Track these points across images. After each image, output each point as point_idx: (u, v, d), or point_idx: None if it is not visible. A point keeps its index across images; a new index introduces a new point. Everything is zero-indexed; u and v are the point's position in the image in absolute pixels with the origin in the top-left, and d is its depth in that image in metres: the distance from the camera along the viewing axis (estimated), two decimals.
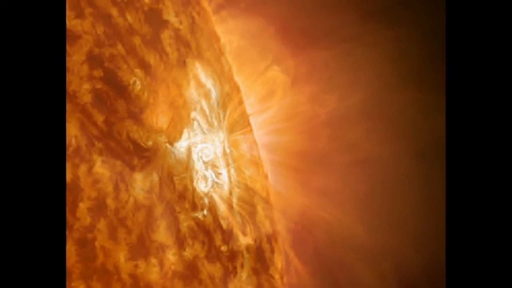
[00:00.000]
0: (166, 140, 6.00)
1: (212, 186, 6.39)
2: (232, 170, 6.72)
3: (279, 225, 7.21)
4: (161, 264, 5.65)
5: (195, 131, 6.34)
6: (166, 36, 6.29)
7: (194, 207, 6.10)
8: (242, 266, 6.44)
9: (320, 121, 7.50)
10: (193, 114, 6.35)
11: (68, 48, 5.41)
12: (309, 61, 7.49)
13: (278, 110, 7.46)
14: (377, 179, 7.32)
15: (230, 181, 6.66)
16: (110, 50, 5.69)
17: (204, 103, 6.53)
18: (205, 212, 6.19)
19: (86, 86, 5.48)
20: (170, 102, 6.10)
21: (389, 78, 7.34)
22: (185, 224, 5.95)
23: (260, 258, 6.72)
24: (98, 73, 5.56)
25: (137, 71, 5.83)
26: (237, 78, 7.26)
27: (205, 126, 6.48)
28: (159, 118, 5.95)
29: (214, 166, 6.49)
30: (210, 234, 6.17)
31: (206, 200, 6.25)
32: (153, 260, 5.59)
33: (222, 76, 6.94)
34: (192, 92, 6.41)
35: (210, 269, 6.06)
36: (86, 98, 5.47)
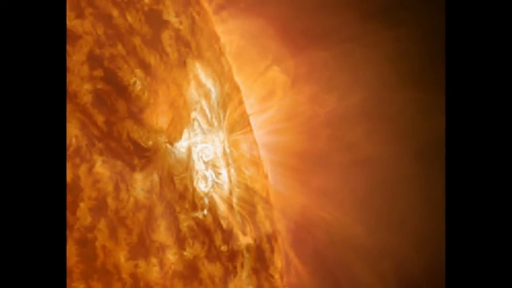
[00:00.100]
0: (166, 140, 6.01)
1: (212, 186, 6.40)
2: (232, 170, 6.73)
3: (279, 225, 7.21)
4: (161, 264, 5.66)
5: (195, 131, 6.35)
6: (166, 36, 6.30)
7: (194, 207, 6.11)
8: (242, 266, 6.45)
9: (320, 121, 7.51)
10: (193, 114, 6.35)
11: (68, 48, 5.42)
12: (309, 61, 7.50)
13: (278, 110, 7.47)
14: (377, 179, 7.33)
15: (230, 181, 6.66)
16: (111, 50, 5.70)
17: (204, 103, 6.54)
18: (205, 212, 6.20)
19: (87, 86, 5.48)
20: (170, 102, 6.11)
21: (389, 78, 7.35)
22: (185, 224, 5.96)
23: (260, 257, 6.73)
24: (98, 73, 5.57)
25: (138, 71, 5.84)
26: (237, 78, 7.27)
27: (205, 126, 6.49)
28: (159, 118, 5.96)
29: (214, 166, 6.50)
30: (210, 234, 6.17)
31: (206, 200, 6.26)
32: (153, 260, 5.60)
33: (222, 76, 6.95)
34: (192, 92, 6.42)
35: (210, 269, 6.07)
36: (87, 98, 5.47)
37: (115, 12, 5.86)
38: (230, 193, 6.62)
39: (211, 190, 6.37)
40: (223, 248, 6.28)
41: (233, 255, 6.37)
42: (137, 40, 5.96)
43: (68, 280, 5.01)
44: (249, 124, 7.28)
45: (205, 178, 6.34)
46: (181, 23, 6.51)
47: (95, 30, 5.64)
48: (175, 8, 6.49)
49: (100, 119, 5.52)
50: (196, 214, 6.10)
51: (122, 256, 5.38)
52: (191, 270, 5.89)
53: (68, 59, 5.38)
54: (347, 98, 7.43)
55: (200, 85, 6.56)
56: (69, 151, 5.25)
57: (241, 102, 7.24)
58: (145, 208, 5.65)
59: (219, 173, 6.55)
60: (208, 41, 6.91)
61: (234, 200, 6.66)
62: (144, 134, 5.80)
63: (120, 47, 5.78)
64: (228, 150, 6.77)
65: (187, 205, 6.04)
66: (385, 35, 7.26)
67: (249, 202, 6.86)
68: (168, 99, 6.09)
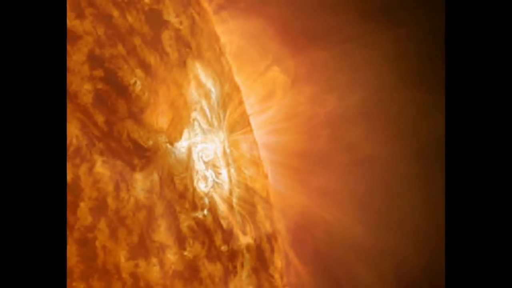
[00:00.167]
0: (167, 140, 6.01)
1: (212, 186, 6.41)
2: (232, 170, 6.73)
3: (279, 225, 7.22)
4: (162, 263, 5.66)
5: (196, 131, 6.36)
6: (166, 36, 6.30)
7: (195, 207, 6.11)
8: (242, 265, 6.45)
9: (320, 121, 7.51)
10: (193, 114, 6.36)
11: (68, 48, 5.42)
12: (309, 62, 7.50)
13: (278, 110, 7.47)
14: (377, 179, 7.33)
15: (230, 181, 6.67)
16: (111, 50, 5.70)
17: (204, 103, 6.54)
18: (205, 212, 6.20)
19: (87, 86, 5.49)
20: (171, 102, 6.11)
21: (389, 78, 7.35)
22: (185, 223, 5.96)
23: (260, 257, 6.74)
24: (98, 73, 5.57)
25: (138, 71, 5.84)
26: (237, 79, 7.27)
27: (205, 126, 6.49)
28: (159, 118, 5.96)
29: (214, 166, 6.50)
30: (210, 233, 6.18)
31: (206, 200, 6.26)
32: (154, 260, 5.60)
33: (222, 76, 6.96)
34: (192, 92, 6.43)
35: (210, 269, 6.07)
36: (87, 98, 5.48)
37: (115, 12, 5.87)
38: (230, 193, 6.62)
39: (211, 190, 6.38)
40: (223, 248, 6.28)
41: (233, 255, 6.38)
42: (137, 40, 5.97)
43: (68, 280, 5.02)
44: (249, 124, 7.29)
45: (205, 178, 6.34)
46: (181, 23, 6.52)
47: (95, 30, 5.65)
48: (175, 8, 6.50)
49: (100, 119, 5.53)
50: (196, 214, 6.10)
51: (122, 256, 5.38)
52: (191, 270, 5.90)
53: (68, 59, 5.39)
54: (347, 98, 7.43)
55: (200, 85, 6.56)
56: (70, 151, 5.25)
57: (241, 102, 7.24)
58: (145, 208, 5.66)
59: (219, 173, 6.55)
60: (208, 41, 6.92)
61: (234, 200, 6.66)
62: (144, 134, 5.81)
63: (120, 47, 5.78)
64: (228, 150, 6.77)
65: (187, 205, 6.05)
66: (385, 35, 7.26)
67: (249, 202, 6.87)
68: (168, 99, 6.10)
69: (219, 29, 7.24)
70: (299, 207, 7.40)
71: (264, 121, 7.41)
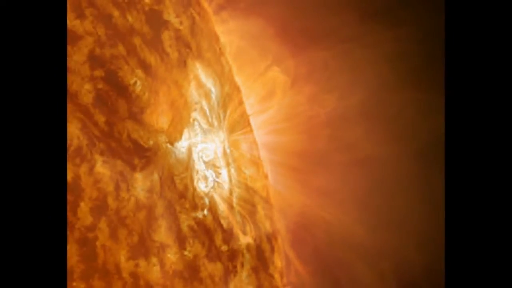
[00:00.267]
0: (167, 140, 6.02)
1: (213, 186, 6.41)
2: (232, 170, 6.74)
3: (279, 225, 7.22)
4: (162, 263, 5.66)
5: (196, 131, 6.36)
6: (166, 36, 6.31)
7: (195, 206, 6.12)
8: (242, 265, 6.46)
9: (320, 121, 7.52)
10: (193, 114, 6.36)
11: (69, 48, 5.43)
12: (308, 62, 7.51)
13: (278, 110, 7.48)
14: (377, 179, 7.34)
15: (230, 181, 6.68)
16: (111, 50, 5.71)
17: (204, 103, 6.55)
18: (205, 211, 6.20)
19: (87, 86, 5.49)
20: (171, 102, 6.12)
21: (388, 78, 7.36)
22: (185, 223, 5.97)
23: (260, 257, 6.74)
24: (99, 73, 5.58)
25: (138, 71, 5.85)
26: (237, 79, 7.28)
27: (205, 126, 6.50)
28: (159, 118, 5.97)
29: (214, 166, 6.51)
30: (210, 233, 6.18)
31: (206, 200, 6.27)
32: (154, 260, 5.61)
33: (222, 76, 6.96)
34: (192, 92, 6.43)
35: (211, 269, 6.08)
36: (87, 99, 5.48)
37: (115, 13, 5.87)
38: (230, 193, 6.63)
39: (211, 190, 6.39)
40: (223, 247, 6.29)
41: (233, 255, 6.38)
42: (137, 41, 5.97)
43: (68, 280, 5.02)
44: (249, 124, 7.29)
45: (205, 178, 6.35)
46: (181, 23, 6.52)
47: (95, 31, 5.65)
48: (176, 8, 6.50)
49: (100, 119, 5.53)
50: (197, 214, 6.11)
51: (122, 256, 5.39)
52: (191, 270, 5.90)
53: (68, 59, 5.39)
54: (346, 98, 7.44)
55: (200, 85, 6.57)
56: (70, 151, 5.26)
57: (241, 102, 7.25)
58: (145, 208, 5.66)
59: (219, 173, 6.56)
60: (208, 42, 6.92)
61: (234, 200, 6.67)
62: (145, 134, 5.81)
63: (120, 47, 5.79)
64: (228, 150, 6.78)
65: (187, 205, 6.05)
66: (385, 35, 7.27)
67: (249, 202, 6.87)
68: (169, 99, 6.11)
69: (219, 29, 7.24)
70: (299, 207, 7.40)
71: (264, 121, 7.42)
